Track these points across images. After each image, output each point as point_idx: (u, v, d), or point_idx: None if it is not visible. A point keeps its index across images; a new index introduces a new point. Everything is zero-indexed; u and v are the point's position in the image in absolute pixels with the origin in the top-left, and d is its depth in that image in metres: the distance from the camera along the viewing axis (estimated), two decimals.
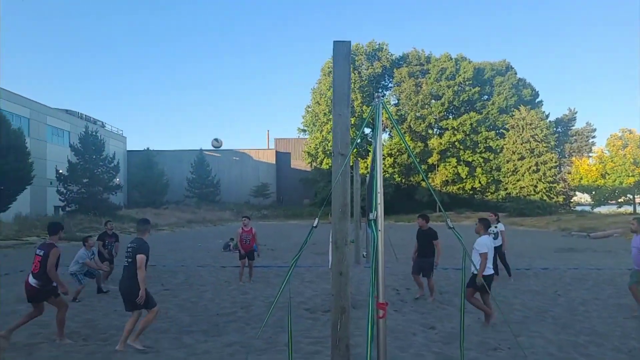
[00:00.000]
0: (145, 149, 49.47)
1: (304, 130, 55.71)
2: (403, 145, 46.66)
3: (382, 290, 3.13)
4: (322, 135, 50.23)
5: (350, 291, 3.60)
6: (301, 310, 7.26)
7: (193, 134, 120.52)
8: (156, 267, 12.76)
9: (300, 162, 56.07)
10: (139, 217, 29.18)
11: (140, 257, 5.39)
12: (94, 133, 35.79)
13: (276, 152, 58.61)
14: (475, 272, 6.47)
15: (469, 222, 32.22)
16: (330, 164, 47.97)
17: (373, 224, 2.99)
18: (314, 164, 51.55)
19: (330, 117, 49.68)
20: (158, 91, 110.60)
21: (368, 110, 48.38)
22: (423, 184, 48.68)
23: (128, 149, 54.46)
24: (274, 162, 57.84)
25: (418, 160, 47.38)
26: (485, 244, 6.61)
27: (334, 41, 3.65)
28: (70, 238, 20.96)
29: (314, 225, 3.34)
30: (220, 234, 25.92)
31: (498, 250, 9.96)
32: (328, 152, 49.76)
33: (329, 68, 53.34)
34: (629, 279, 7.71)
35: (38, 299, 5.83)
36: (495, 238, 9.94)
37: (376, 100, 3.38)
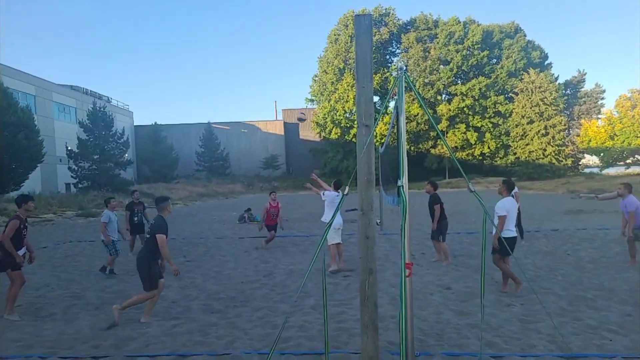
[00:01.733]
0: (153, 123, 49.63)
1: (312, 100, 55.43)
2: (412, 112, 46.31)
3: (408, 252, 3.39)
4: (330, 105, 49.94)
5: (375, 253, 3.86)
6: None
7: (200, 107, 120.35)
8: (176, 240, 13.20)
9: (309, 132, 56.01)
10: (150, 193, 29.55)
11: (160, 237, 5.56)
12: (102, 109, 35.91)
13: (284, 123, 58.50)
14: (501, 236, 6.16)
15: (479, 187, 32.37)
16: (339, 134, 47.87)
17: (402, 190, 3.22)
18: (323, 134, 51.51)
19: (338, 86, 49.61)
20: (163, 65, 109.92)
21: (376, 78, 47.90)
22: (432, 150, 48.62)
23: (135, 124, 54.66)
24: (283, 133, 57.83)
25: (427, 127, 47.14)
26: (504, 206, 6.49)
27: (356, 15, 3.79)
28: (86, 214, 21.50)
29: (345, 193, 3.59)
30: (233, 206, 26.40)
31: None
32: (337, 122, 49.63)
33: (335, 35, 52.54)
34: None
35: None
36: None
37: (399, 72, 3.54)
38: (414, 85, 3.57)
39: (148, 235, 5.85)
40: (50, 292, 7.46)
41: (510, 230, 6.56)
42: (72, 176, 34.15)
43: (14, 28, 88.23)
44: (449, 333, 4.99)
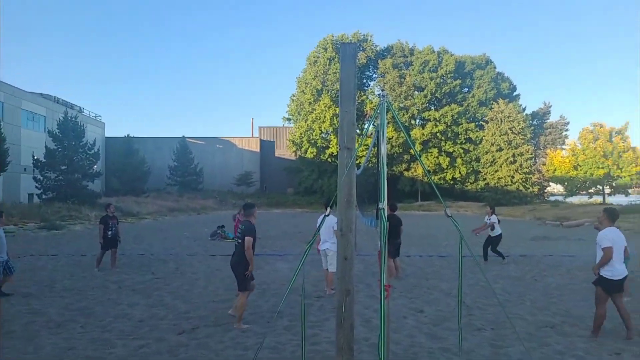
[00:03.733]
0: (126, 135, 48.70)
1: (289, 119, 55.74)
2: (387, 135, 46.99)
3: (386, 273, 3.42)
4: (307, 124, 50.34)
5: (353, 275, 3.88)
6: (296, 296, 7.56)
7: (175, 122, 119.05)
8: (144, 256, 12.89)
9: (284, 151, 56.12)
10: (118, 206, 28.77)
11: (247, 239, 5.98)
12: (73, 118, 35.04)
13: (260, 140, 58.47)
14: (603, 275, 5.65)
15: (449, 211, 32.92)
16: (314, 153, 48.27)
17: (382, 212, 3.27)
18: (299, 152, 51.70)
19: (315, 106, 50.11)
20: (138, 76, 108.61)
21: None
22: (406, 173, 49.36)
23: (107, 135, 53.55)
24: (258, 150, 57.74)
25: (402, 150, 47.96)
26: (605, 237, 5.69)
27: (342, 43, 3.90)
28: (49, 227, 20.70)
29: (326, 213, 3.61)
30: (205, 222, 25.98)
31: (493, 239, 11.61)
32: (313, 141, 49.95)
33: (314, 58, 53.32)
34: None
35: None
36: (492, 229, 11.57)
37: (381, 99, 3.63)
38: (394, 110, 3.65)
39: (239, 240, 6.16)
40: (10, 307, 7.13)
41: (620, 270, 5.63)
42: (36, 186, 32.94)
43: None
44: (423, 357, 5.02)
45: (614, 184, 39.66)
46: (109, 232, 10.42)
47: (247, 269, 6.03)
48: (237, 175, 52.41)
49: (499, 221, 11.87)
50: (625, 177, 38.26)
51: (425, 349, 5.28)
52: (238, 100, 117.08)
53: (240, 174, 52.60)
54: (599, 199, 41.13)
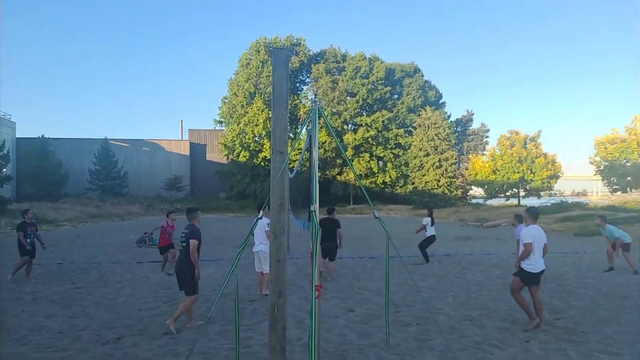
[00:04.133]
0: (40, 136, 45.22)
1: (221, 122, 54.66)
2: (320, 139, 47.72)
3: (317, 275, 3.53)
4: (240, 128, 49.70)
5: (286, 277, 3.95)
6: (228, 301, 7.47)
7: (97, 122, 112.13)
8: (63, 265, 12.10)
9: (216, 155, 54.96)
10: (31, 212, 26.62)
11: (192, 242, 6.04)
12: None
13: (190, 143, 56.78)
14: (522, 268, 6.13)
15: (381, 214, 33.91)
16: (247, 157, 47.76)
17: (314, 215, 3.37)
18: (231, 156, 50.89)
19: (248, 109, 49.61)
20: (53, 72, 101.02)
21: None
22: (338, 177, 50.25)
23: (18, 136, 49.34)
24: (188, 153, 56.03)
25: (334, 154, 48.78)
26: (527, 233, 6.13)
27: (274, 48, 3.98)
28: None
29: (259, 216, 3.65)
30: (130, 229, 24.77)
31: (424, 240, 12.14)
32: (245, 145, 49.40)
33: (247, 60, 52.82)
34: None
35: None
36: (425, 230, 12.13)
37: (313, 105, 3.74)
38: (326, 116, 3.78)
39: (183, 244, 6.16)
40: None
41: (538, 264, 6.10)
42: None
43: None
44: (352, 353, 5.19)
45: (527, 187, 43.05)
46: (28, 240, 9.76)
47: (192, 272, 6.05)
48: (165, 180, 50.55)
49: (433, 223, 12.24)
50: (537, 180, 41.68)
51: (355, 345, 5.46)
52: (166, 102, 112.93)
53: (168, 178, 50.79)
54: (514, 201, 44.43)
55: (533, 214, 6.46)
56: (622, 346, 5.40)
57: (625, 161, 31.41)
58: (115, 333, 6.02)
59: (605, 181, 33.59)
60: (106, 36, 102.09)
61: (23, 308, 7.42)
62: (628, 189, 33.21)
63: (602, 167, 32.88)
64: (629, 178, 31.27)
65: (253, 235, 8.18)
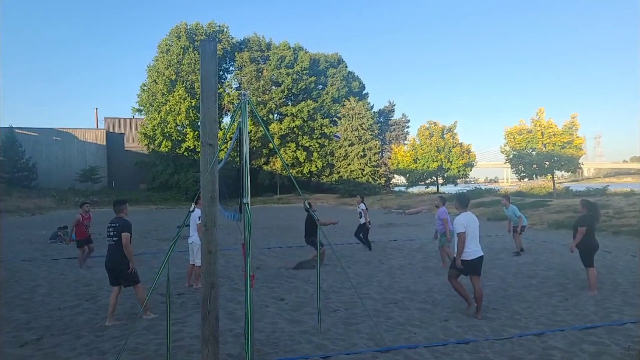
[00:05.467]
0: None
1: (140, 110, 51.91)
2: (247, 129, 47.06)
3: (250, 264, 3.62)
4: (161, 116, 47.60)
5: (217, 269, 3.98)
6: (155, 295, 7.29)
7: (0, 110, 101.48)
8: None
9: (135, 144, 52.24)
10: None
11: (125, 235, 5.96)
12: None
13: (107, 132, 53.40)
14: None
15: (307, 203, 34.45)
16: (169, 147, 45.99)
17: (247, 207, 3.44)
18: (152, 146, 48.67)
19: (169, 97, 47.67)
20: None
21: None
22: (265, 167, 49.98)
23: None
24: (105, 143, 52.69)
25: (260, 144, 48.40)
26: (460, 222, 6.01)
27: (201, 40, 3.98)
28: None
29: (191, 209, 3.64)
30: (42, 224, 22.95)
31: (362, 227, 12.52)
32: (167, 134, 47.50)
33: (166, 46, 50.53)
34: (438, 242, 9.87)
35: None
36: (360, 217, 12.48)
37: (242, 98, 3.78)
38: (254, 106, 3.86)
39: (114, 239, 6.04)
40: None
41: (473, 251, 6.04)
42: None
43: None
44: (284, 340, 5.35)
45: (445, 175, 45.74)
46: None
47: (128, 265, 6.01)
48: (79, 171, 47.29)
49: (366, 209, 12.67)
50: (454, 169, 44.44)
51: (286, 333, 5.63)
52: (79, 88, 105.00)
53: (83, 169, 47.57)
54: (434, 188, 47.07)
55: (463, 201, 6.24)
56: (529, 321, 6.05)
57: (531, 150, 34.40)
58: (34, 334, 5.68)
59: (514, 169, 36.55)
60: (8, 11, 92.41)
61: None
62: (534, 176, 36.50)
63: (511, 156, 35.72)
64: (534, 166, 34.29)
65: (188, 226, 8.09)
